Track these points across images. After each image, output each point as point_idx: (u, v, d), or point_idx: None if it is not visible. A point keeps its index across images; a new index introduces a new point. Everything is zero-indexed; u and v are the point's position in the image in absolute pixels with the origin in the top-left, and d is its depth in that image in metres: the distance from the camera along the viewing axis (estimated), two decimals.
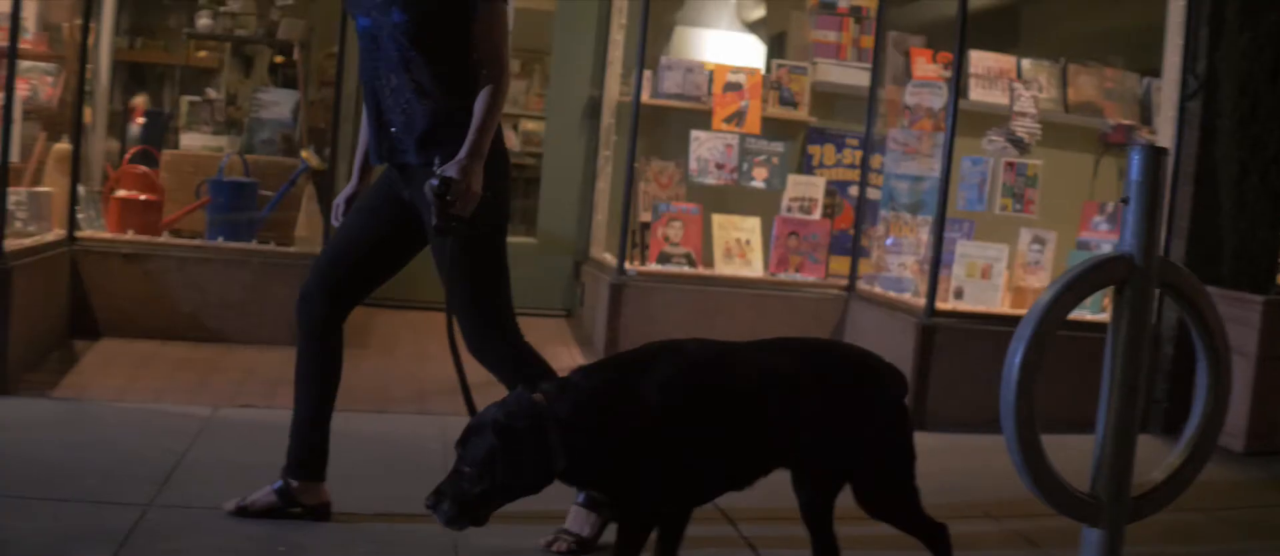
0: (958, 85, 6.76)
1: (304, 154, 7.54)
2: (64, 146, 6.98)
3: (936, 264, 6.65)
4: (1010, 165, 7.09)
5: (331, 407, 3.95)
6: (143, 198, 7.13)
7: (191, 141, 7.76)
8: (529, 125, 10.87)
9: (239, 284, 7.09)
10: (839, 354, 3.52)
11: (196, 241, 7.12)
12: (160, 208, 7.16)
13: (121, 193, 7.11)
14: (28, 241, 6.23)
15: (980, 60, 7.35)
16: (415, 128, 3.73)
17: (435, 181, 3.49)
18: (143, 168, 7.25)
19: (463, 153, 3.57)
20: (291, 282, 6.94)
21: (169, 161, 7.53)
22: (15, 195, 6.32)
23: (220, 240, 7.14)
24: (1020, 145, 7.19)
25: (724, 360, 3.22)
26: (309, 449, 3.91)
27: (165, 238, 7.11)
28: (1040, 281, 7.05)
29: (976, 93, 7.32)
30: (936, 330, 6.52)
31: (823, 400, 3.24)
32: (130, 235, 7.02)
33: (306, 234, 7.70)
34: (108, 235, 7.02)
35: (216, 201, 7.17)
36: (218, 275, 7.06)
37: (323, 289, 3.88)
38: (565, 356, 7.35)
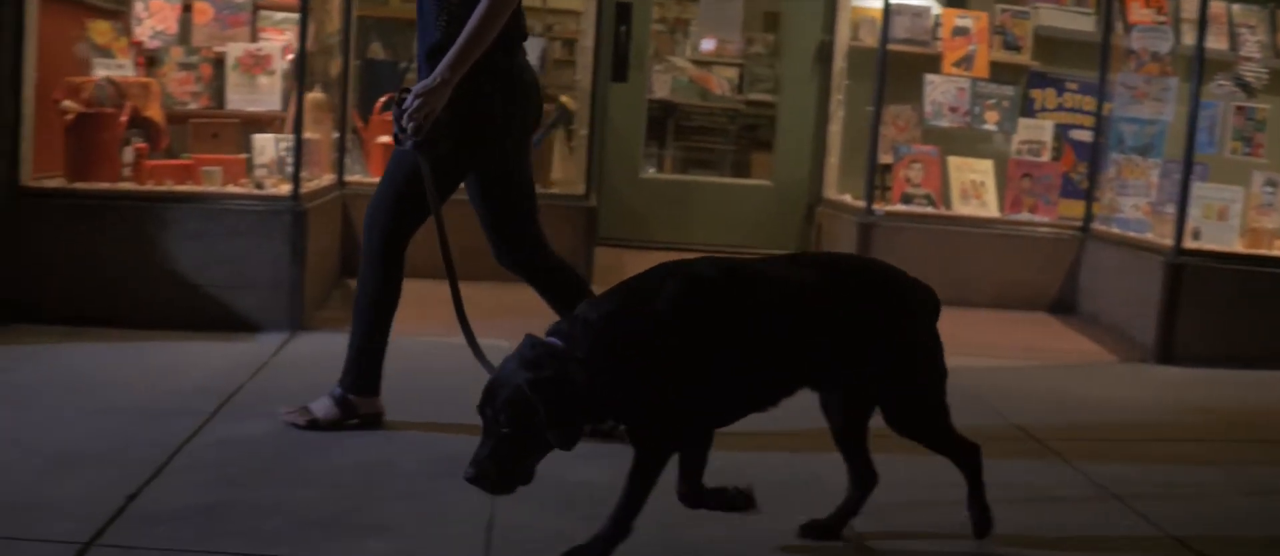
0: (1203, 29, 6.85)
1: (563, 98, 7.88)
2: (318, 95, 7.40)
3: (1184, 204, 6.79)
4: (1239, 109, 7.16)
5: (390, 324, 4.29)
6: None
7: None
8: (761, 71, 11.09)
9: None
10: (864, 268, 3.40)
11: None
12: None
13: (384, 139, 7.54)
14: (312, 185, 6.69)
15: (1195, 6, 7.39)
16: (426, 43, 3.98)
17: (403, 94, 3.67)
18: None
19: (437, 69, 3.79)
20: (554, 225, 7.36)
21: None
22: (285, 141, 6.80)
23: None
24: (1248, 89, 7.25)
25: (739, 277, 3.08)
26: (368, 359, 4.28)
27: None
28: (1274, 224, 7.13)
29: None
30: (1184, 269, 6.64)
31: (847, 316, 3.16)
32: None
33: (561, 176, 8.07)
34: (372, 179, 7.43)
35: None
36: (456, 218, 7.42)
37: (382, 217, 4.19)
38: None
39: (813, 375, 3.20)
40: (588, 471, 3.76)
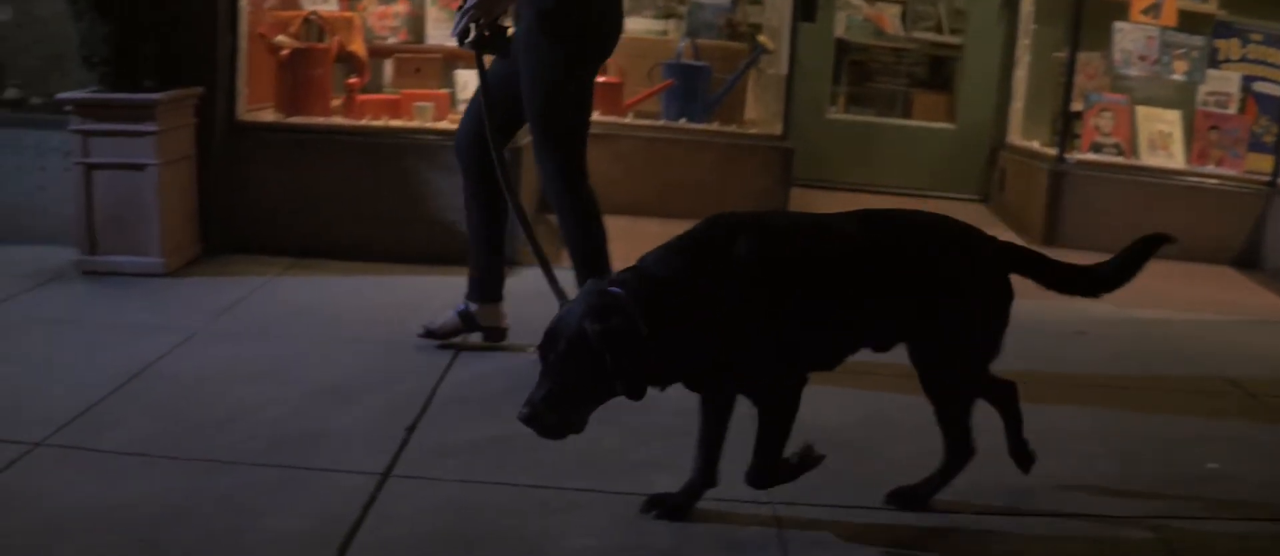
0: None
1: (760, 38, 7.72)
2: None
3: None
4: None
5: (501, 237, 4.38)
6: (605, 80, 7.42)
7: (634, 26, 8.00)
8: (926, 10, 10.76)
9: (703, 165, 7.33)
10: (935, 225, 3.16)
11: (660, 123, 7.39)
12: (621, 89, 7.44)
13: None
14: None
15: None
16: None
17: None
18: None
19: None
20: (752, 165, 7.23)
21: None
22: None
23: (683, 121, 7.38)
24: None
25: (807, 231, 3.01)
26: (484, 271, 4.37)
27: (630, 118, 7.37)
28: None
29: None
30: None
31: (908, 275, 3.02)
32: (597, 116, 7.30)
33: (755, 117, 7.90)
34: None
35: (674, 85, 7.41)
36: (686, 156, 7.32)
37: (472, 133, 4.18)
38: None
39: (873, 334, 3.09)
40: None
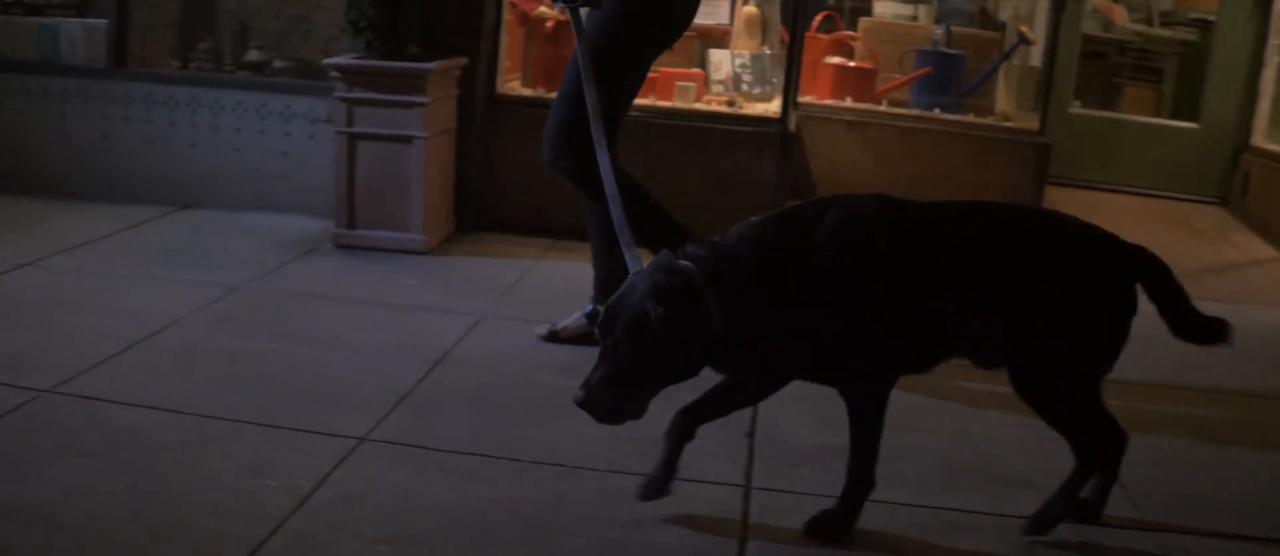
0: None
1: (1022, 28, 7.25)
2: (752, 9, 6.91)
3: None
4: None
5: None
6: (857, 65, 7.02)
7: (883, 10, 7.60)
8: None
9: (957, 157, 6.89)
10: (1057, 225, 2.79)
11: (915, 112, 6.96)
12: (873, 75, 7.03)
13: (836, 59, 7.02)
14: (759, 109, 6.22)
15: None
16: None
17: None
18: (855, 34, 7.15)
19: None
20: (1006, 160, 6.77)
21: (867, 29, 7.40)
22: (740, 58, 6.33)
23: (937, 111, 6.95)
24: None
25: (909, 218, 2.68)
26: (607, 271, 3.99)
27: (884, 106, 6.96)
28: None
29: None
30: None
31: (1030, 277, 2.66)
32: (849, 102, 6.92)
33: (1007, 109, 7.43)
34: (828, 101, 6.93)
35: (931, 73, 6.99)
36: (938, 147, 6.90)
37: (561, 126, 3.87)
38: (1241, 245, 6.89)
39: (971, 341, 2.73)
40: None
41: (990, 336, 2.70)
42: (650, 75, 5.89)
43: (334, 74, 5.15)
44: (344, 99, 5.15)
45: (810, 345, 2.61)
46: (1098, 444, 2.81)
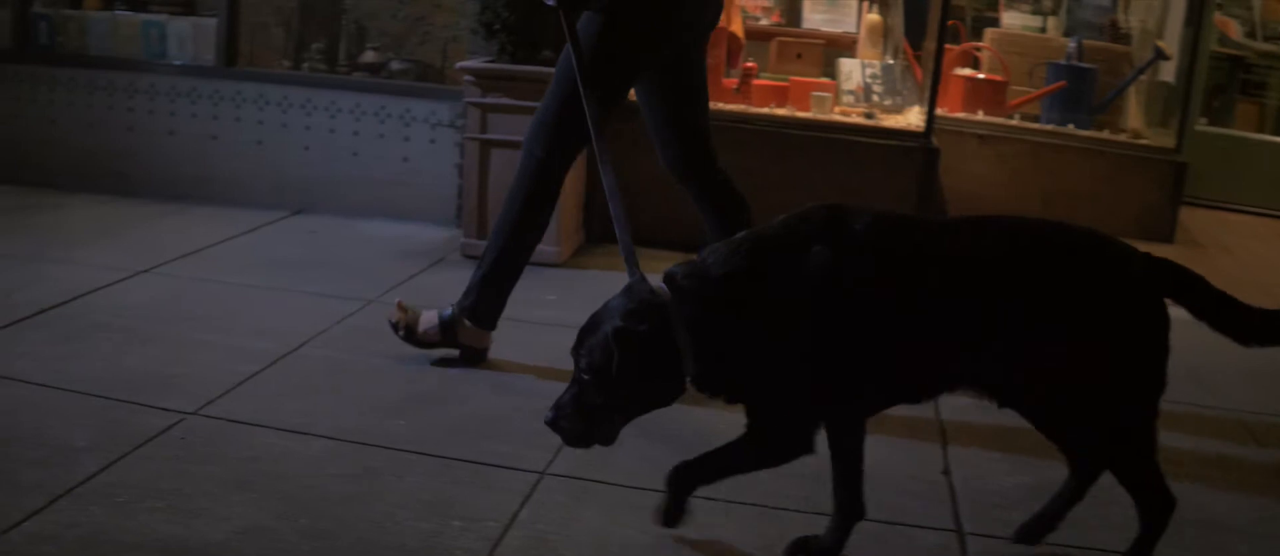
0: None
1: (1159, 43, 6.91)
2: (874, 17, 6.60)
3: None
4: None
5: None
6: (988, 77, 6.70)
7: (1013, 21, 7.28)
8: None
9: (1090, 174, 6.56)
10: (1077, 243, 2.47)
11: (1049, 127, 6.63)
12: (1005, 88, 6.71)
13: (965, 71, 6.70)
14: (900, 122, 5.91)
15: None
16: None
17: None
18: (984, 45, 6.83)
19: None
20: (1141, 178, 6.44)
21: (993, 40, 7.09)
22: (871, 67, 6.05)
23: (1070, 127, 6.62)
24: None
25: (907, 235, 2.44)
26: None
27: (1017, 121, 6.63)
28: None
29: None
30: None
31: (1041, 299, 2.38)
32: (980, 116, 6.60)
33: (1138, 126, 7.10)
34: (959, 114, 6.61)
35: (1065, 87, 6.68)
36: (1072, 164, 6.57)
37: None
38: None
39: (976, 371, 2.46)
40: None
41: (999, 368, 2.44)
42: (782, 84, 5.65)
43: (467, 78, 4.88)
44: (477, 104, 4.88)
45: (792, 371, 2.41)
46: (1140, 497, 2.53)
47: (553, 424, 2.44)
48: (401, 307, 3.77)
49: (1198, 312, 2.48)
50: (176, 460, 3.02)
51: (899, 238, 2.43)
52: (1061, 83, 6.68)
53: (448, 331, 3.73)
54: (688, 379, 2.41)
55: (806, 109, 5.75)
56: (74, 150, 5.88)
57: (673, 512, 2.63)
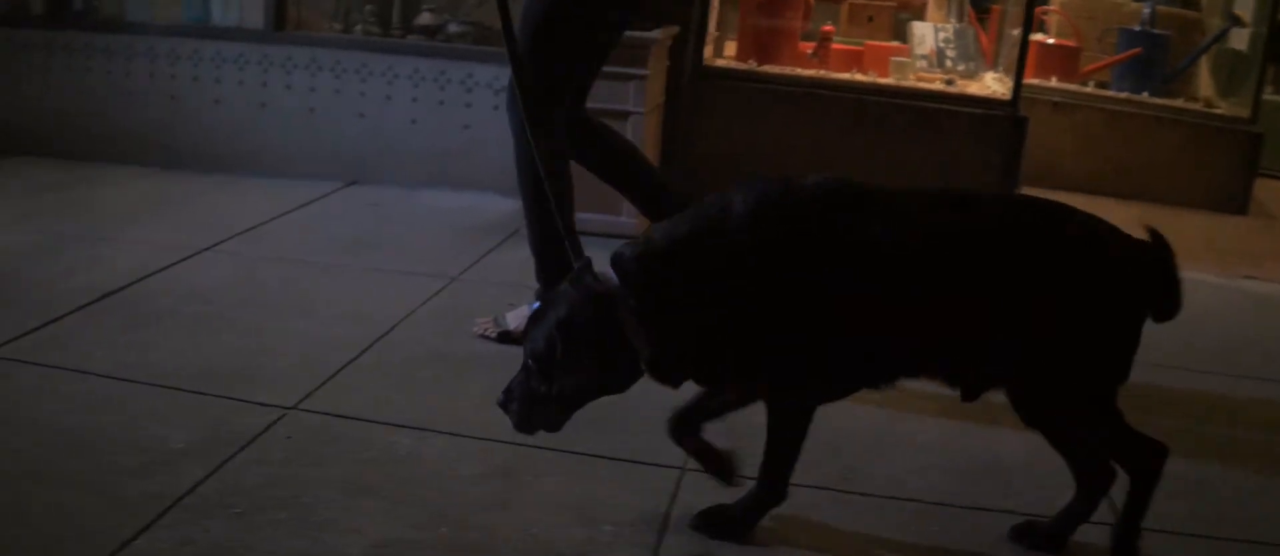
0: None
1: (1237, 11, 6.64)
2: None
3: None
4: None
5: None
6: (1060, 42, 6.44)
7: None
8: None
9: (1164, 144, 6.33)
10: (1044, 217, 2.35)
11: (1124, 95, 6.38)
12: (1078, 54, 6.45)
13: (1036, 36, 6.44)
14: (975, 87, 5.65)
15: None
16: None
17: None
18: (1055, 9, 6.57)
19: None
20: (1216, 149, 6.20)
21: (1063, 4, 6.84)
22: (944, 31, 5.78)
23: (1145, 95, 6.37)
24: None
25: (864, 206, 2.31)
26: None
27: (1091, 88, 6.38)
28: None
29: None
30: None
31: (1012, 279, 2.27)
32: (1054, 82, 6.34)
33: (1209, 96, 6.86)
34: (1031, 80, 6.35)
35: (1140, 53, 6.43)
36: (1147, 133, 6.33)
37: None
38: None
39: (946, 355, 2.35)
40: None
41: (968, 354, 2.34)
42: (855, 47, 5.38)
43: None
44: None
45: (738, 349, 2.31)
46: (1129, 459, 2.41)
47: (503, 407, 2.39)
48: (485, 326, 3.60)
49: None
50: (288, 463, 2.75)
51: (851, 209, 2.31)
52: (1138, 49, 6.42)
53: None
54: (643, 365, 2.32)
55: (883, 75, 5.47)
56: (113, 122, 5.60)
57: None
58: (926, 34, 5.91)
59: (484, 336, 3.58)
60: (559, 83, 3.40)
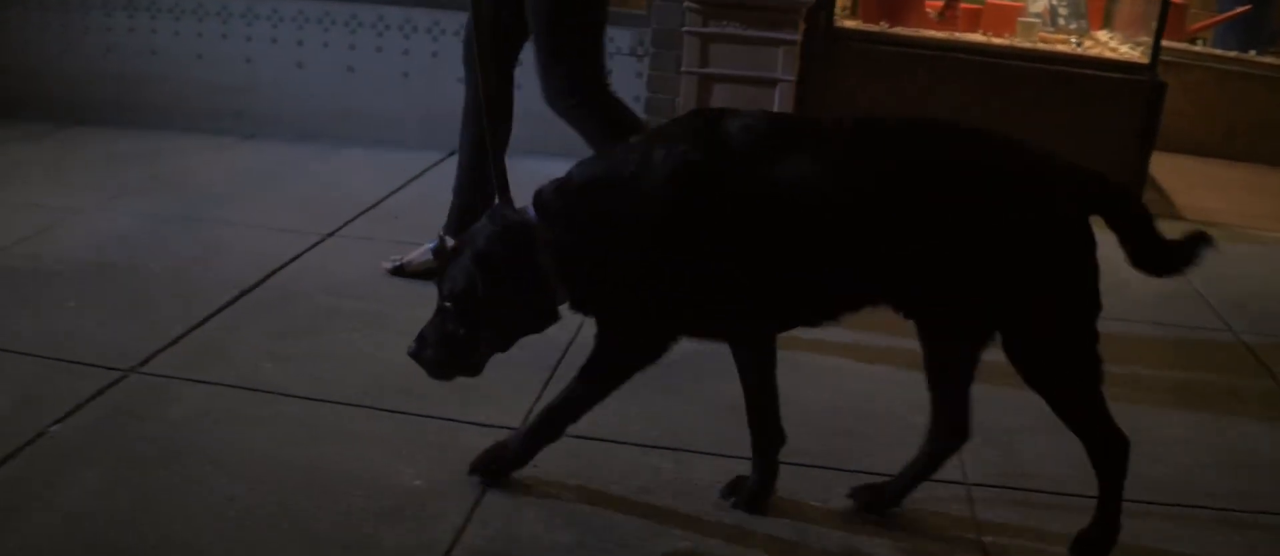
0: None
1: None
2: None
3: None
4: None
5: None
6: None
7: None
8: None
9: (1276, 104, 6.07)
10: (976, 143, 2.24)
11: (1232, 53, 6.13)
12: (1184, 11, 6.18)
13: None
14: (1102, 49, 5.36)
15: None
16: None
17: None
18: None
19: None
20: None
21: None
22: None
23: (1252, 53, 6.13)
24: None
25: (784, 136, 2.22)
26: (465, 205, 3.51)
27: (1200, 46, 6.11)
28: None
29: None
30: None
31: (940, 207, 2.14)
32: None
33: None
34: (1139, 38, 6.04)
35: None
36: (1259, 93, 6.09)
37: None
38: None
39: (884, 287, 2.25)
40: None
41: (906, 285, 2.23)
42: (973, 6, 5.07)
43: (692, 6, 4.25)
44: (697, 34, 4.28)
45: (647, 280, 2.24)
46: (1086, 440, 2.29)
47: (416, 356, 2.32)
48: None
49: (1114, 227, 2.21)
50: (548, 511, 2.42)
51: (778, 141, 2.21)
52: (1247, 6, 6.15)
53: (440, 257, 3.44)
54: (565, 303, 2.29)
55: (1002, 34, 5.16)
56: (182, 85, 5.21)
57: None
58: None
59: (389, 269, 3.59)
60: (599, 28, 3.32)
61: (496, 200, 2.49)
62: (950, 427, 2.41)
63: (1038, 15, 5.58)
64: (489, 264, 2.24)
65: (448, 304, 2.28)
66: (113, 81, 5.24)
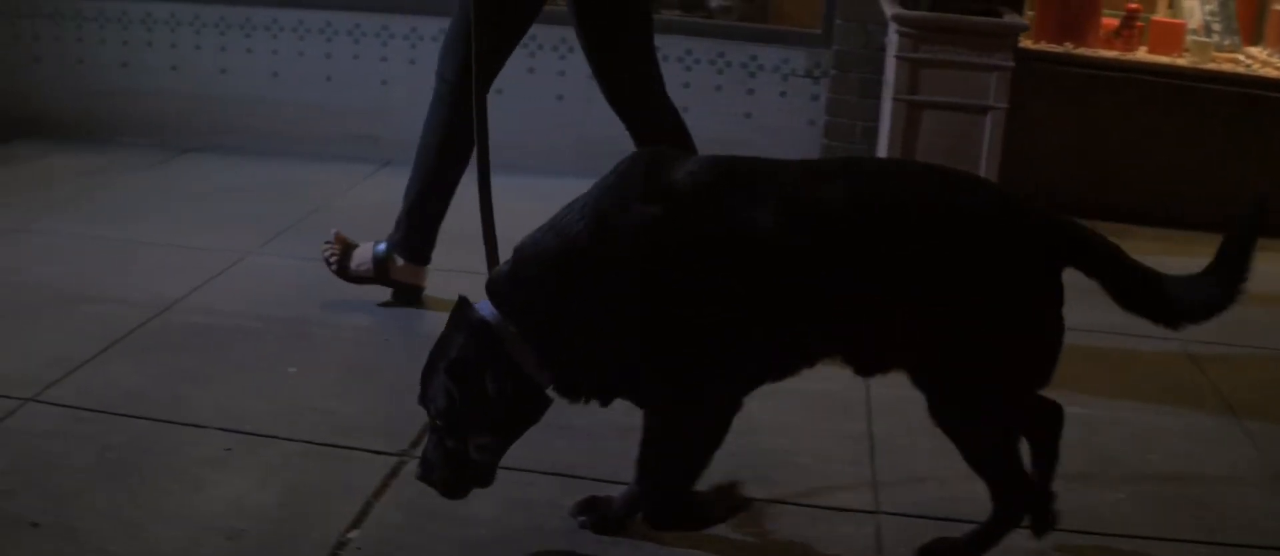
0: None
1: None
2: None
3: None
4: None
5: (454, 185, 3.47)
6: None
7: None
8: None
9: None
10: (946, 187, 2.18)
11: None
12: None
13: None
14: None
15: None
16: None
17: None
18: None
19: None
20: None
21: None
22: (1210, 4, 5.27)
23: None
24: None
25: (719, 187, 2.13)
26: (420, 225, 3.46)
27: None
28: None
29: None
30: None
31: (911, 255, 2.08)
32: None
33: None
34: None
35: None
36: None
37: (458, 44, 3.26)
38: None
39: (841, 343, 2.20)
40: None
41: (873, 341, 2.17)
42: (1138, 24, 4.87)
43: (902, 29, 4.00)
44: (907, 59, 4.02)
45: (622, 365, 2.17)
46: (993, 488, 2.24)
47: (426, 480, 2.25)
48: (340, 239, 3.50)
49: (1109, 290, 2.13)
50: None
51: (733, 189, 2.12)
52: None
53: (381, 268, 3.44)
54: (549, 389, 2.20)
55: (1167, 54, 4.95)
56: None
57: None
58: (1194, 6, 5.39)
59: (326, 260, 3.49)
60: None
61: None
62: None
63: (1193, 31, 5.37)
64: (462, 373, 2.15)
65: (438, 422, 2.21)
66: (232, 105, 4.93)
